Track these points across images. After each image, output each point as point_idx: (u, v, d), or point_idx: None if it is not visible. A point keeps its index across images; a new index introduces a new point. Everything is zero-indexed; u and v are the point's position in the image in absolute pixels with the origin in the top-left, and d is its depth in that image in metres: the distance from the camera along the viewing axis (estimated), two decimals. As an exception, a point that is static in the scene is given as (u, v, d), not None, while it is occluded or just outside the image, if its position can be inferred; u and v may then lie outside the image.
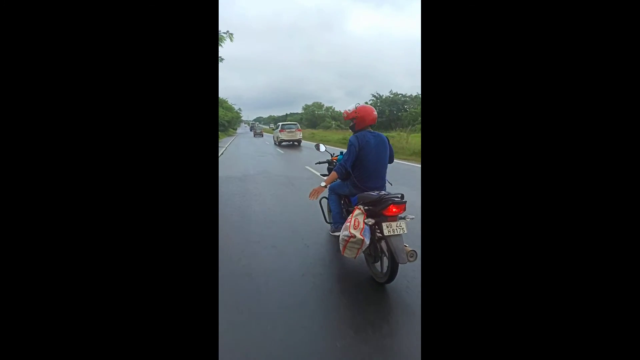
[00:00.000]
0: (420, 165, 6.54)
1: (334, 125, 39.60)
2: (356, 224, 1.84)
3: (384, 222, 1.79)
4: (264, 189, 5.01)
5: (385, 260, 1.90)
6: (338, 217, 2.49)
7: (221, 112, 23.86)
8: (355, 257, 1.96)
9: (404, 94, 33.62)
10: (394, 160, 2.46)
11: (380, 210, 1.81)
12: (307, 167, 7.44)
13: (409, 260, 1.68)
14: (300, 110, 58.79)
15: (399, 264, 1.73)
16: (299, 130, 15.73)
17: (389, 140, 2.29)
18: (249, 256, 2.42)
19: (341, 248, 1.92)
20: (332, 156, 3.07)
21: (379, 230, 1.88)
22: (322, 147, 3.12)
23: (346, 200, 2.50)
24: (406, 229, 1.80)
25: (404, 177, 5.62)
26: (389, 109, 32.65)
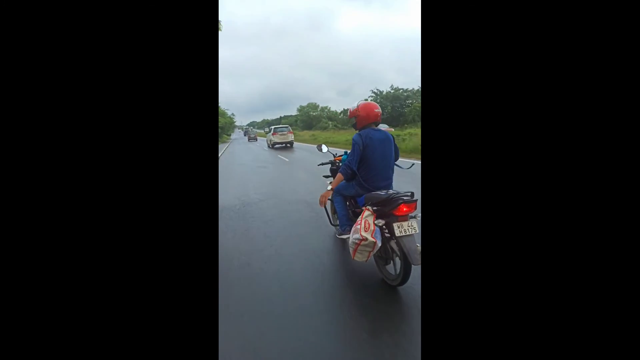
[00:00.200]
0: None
1: (330, 125, 38.51)
2: (366, 226, 1.77)
3: (395, 222, 1.73)
4: (281, 242, 2.77)
5: (398, 262, 1.83)
6: (345, 219, 2.35)
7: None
8: (366, 261, 1.87)
9: (405, 88, 31.68)
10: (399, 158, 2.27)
11: (390, 210, 1.75)
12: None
13: None
14: (294, 112, 59.32)
15: (412, 265, 1.64)
16: (291, 133, 16.36)
17: (394, 138, 2.19)
18: None
19: (351, 252, 1.86)
20: (334, 156, 3.02)
21: (387, 231, 1.84)
22: (325, 148, 3.03)
23: (352, 201, 2.38)
24: (418, 228, 1.69)
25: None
26: (391, 105, 30.65)
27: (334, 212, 2.71)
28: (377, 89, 32.71)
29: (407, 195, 1.76)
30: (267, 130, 21.47)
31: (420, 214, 1.49)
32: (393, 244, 1.85)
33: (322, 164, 3.18)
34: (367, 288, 1.92)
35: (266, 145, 16.74)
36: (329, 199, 2.52)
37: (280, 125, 17.78)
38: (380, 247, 1.80)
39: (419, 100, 28.18)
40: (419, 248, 1.64)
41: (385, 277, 1.97)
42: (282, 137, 15.92)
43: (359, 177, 2.13)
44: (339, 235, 2.53)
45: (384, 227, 1.81)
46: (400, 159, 2.32)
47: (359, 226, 1.80)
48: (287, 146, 15.88)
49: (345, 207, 2.38)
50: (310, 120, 45.32)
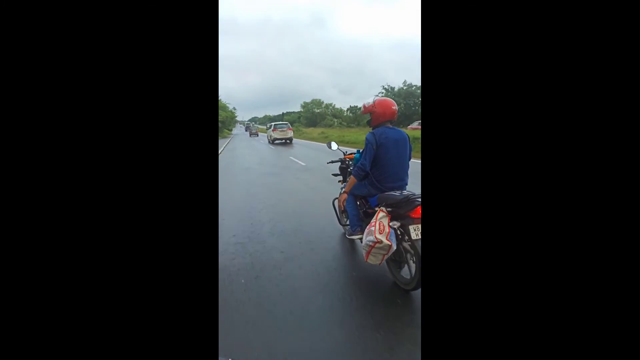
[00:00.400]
0: None
1: (336, 123, 36.90)
2: (381, 227, 1.70)
3: (411, 224, 1.67)
4: None
5: (412, 265, 1.77)
6: (355, 220, 2.24)
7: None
8: (379, 264, 1.80)
9: (418, 84, 29.49)
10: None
11: (406, 212, 1.69)
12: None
13: None
14: (296, 109, 57.90)
15: None
16: (290, 129, 17.18)
17: (409, 138, 2.10)
18: None
19: (364, 254, 1.78)
20: (344, 154, 2.87)
21: (401, 233, 1.78)
22: (334, 145, 2.92)
23: (363, 200, 2.27)
24: None
25: None
26: (404, 102, 28.35)
27: (343, 211, 2.65)
28: (388, 85, 30.48)
29: None
30: (268, 126, 21.85)
31: None
32: (407, 246, 1.78)
33: (332, 161, 3.06)
34: None
35: (275, 144, 16.80)
36: (338, 199, 2.55)
37: (280, 122, 18.60)
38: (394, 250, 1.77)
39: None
40: None
41: (398, 281, 1.89)
42: (282, 133, 16.51)
43: (372, 177, 2.05)
44: (348, 235, 2.32)
45: (399, 229, 1.74)
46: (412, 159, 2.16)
47: (373, 228, 1.72)
48: (286, 142, 16.46)
49: (355, 206, 2.26)
50: (314, 118, 43.87)
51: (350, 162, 2.73)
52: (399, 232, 1.75)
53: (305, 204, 3.98)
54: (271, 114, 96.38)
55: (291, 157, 9.36)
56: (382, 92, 30.05)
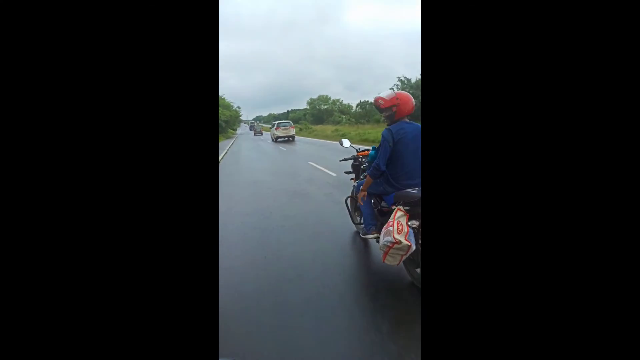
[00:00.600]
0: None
1: (344, 119, 35.11)
2: (399, 227, 1.64)
3: None
4: None
5: None
6: (370, 218, 2.14)
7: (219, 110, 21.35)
8: (397, 264, 1.75)
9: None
10: None
11: None
12: None
13: None
14: (301, 106, 56.33)
15: None
16: (292, 127, 18.00)
17: None
18: None
19: (382, 255, 1.72)
20: (357, 151, 2.78)
21: (420, 232, 1.70)
22: (347, 143, 2.83)
23: (377, 199, 2.15)
24: None
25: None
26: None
27: (356, 209, 2.67)
28: (405, 77, 27.93)
29: None
30: (272, 125, 22.18)
31: None
32: None
33: (345, 159, 2.93)
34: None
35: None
36: (350, 196, 2.65)
37: (283, 121, 19.40)
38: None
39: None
40: None
41: (415, 281, 1.83)
42: (285, 131, 17.32)
43: (387, 174, 1.97)
44: (363, 235, 2.24)
45: (417, 228, 1.70)
46: None
47: (391, 228, 1.66)
48: (289, 140, 17.06)
49: (370, 204, 2.16)
50: (321, 114, 42.26)
51: (364, 159, 2.64)
52: (418, 232, 1.70)
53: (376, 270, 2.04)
54: (276, 113, 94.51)
55: (311, 163, 7.40)
56: (398, 85, 27.74)
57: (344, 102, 46.05)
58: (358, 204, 2.24)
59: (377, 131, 14.61)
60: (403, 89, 27.61)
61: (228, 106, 29.91)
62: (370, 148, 2.52)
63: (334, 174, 5.71)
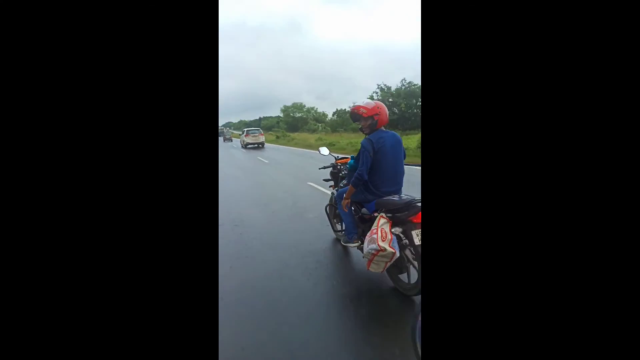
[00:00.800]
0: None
1: (320, 127, 33.85)
2: (383, 234, 1.66)
3: (414, 229, 1.66)
4: None
5: (413, 270, 1.77)
6: (352, 226, 2.17)
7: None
8: (382, 272, 1.78)
9: (417, 83, 26.44)
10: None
11: (408, 217, 1.67)
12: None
13: None
14: (273, 114, 54.61)
15: None
16: (262, 135, 18.50)
17: (401, 139, 2.10)
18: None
19: (366, 262, 1.76)
20: (336, 159, 2.83)
21: (403, 239, 1.74)
22: (325, 151, 2.88)
23: (357, 206, 2.18)
24: None
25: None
26: (405, 103, 25.02)
27: (335, 217, 2.68)
28: (384, 84, 27.05)
29: None
30: (242, 132, 22.11)
31: None
32: (408, 252, 1.76)
33: (324, 167, 2.97)
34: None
35: (240, 145, 17.84)
36: (330, 204, 2.67)
37: (253, 128, 20.07)
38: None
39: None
40: None
41: (399, 287, 1.85)
42: (254, 138, 17.84)
43: (368, 182, 2.01)
44: (344, 243, 2.27)
45: (400, 235, 1.71)
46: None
47: (375, 235, 1.68)
48: (258, 146, 17.49)
49: (351, 212, 2.19)
50: (296, 122, 40.98)
51: (342, 167, 2.69)
52: (402, 238, 1.72)
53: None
54: (247, 119, 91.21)
55: (311, 184, 5.51)
56: (378, 92, 26.74)
57: (319, 110, 45.10)
58: (337, 211, 2.29)
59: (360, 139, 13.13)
60: (384, 96, 26.79)
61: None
62: (349, 157, 2.65)
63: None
